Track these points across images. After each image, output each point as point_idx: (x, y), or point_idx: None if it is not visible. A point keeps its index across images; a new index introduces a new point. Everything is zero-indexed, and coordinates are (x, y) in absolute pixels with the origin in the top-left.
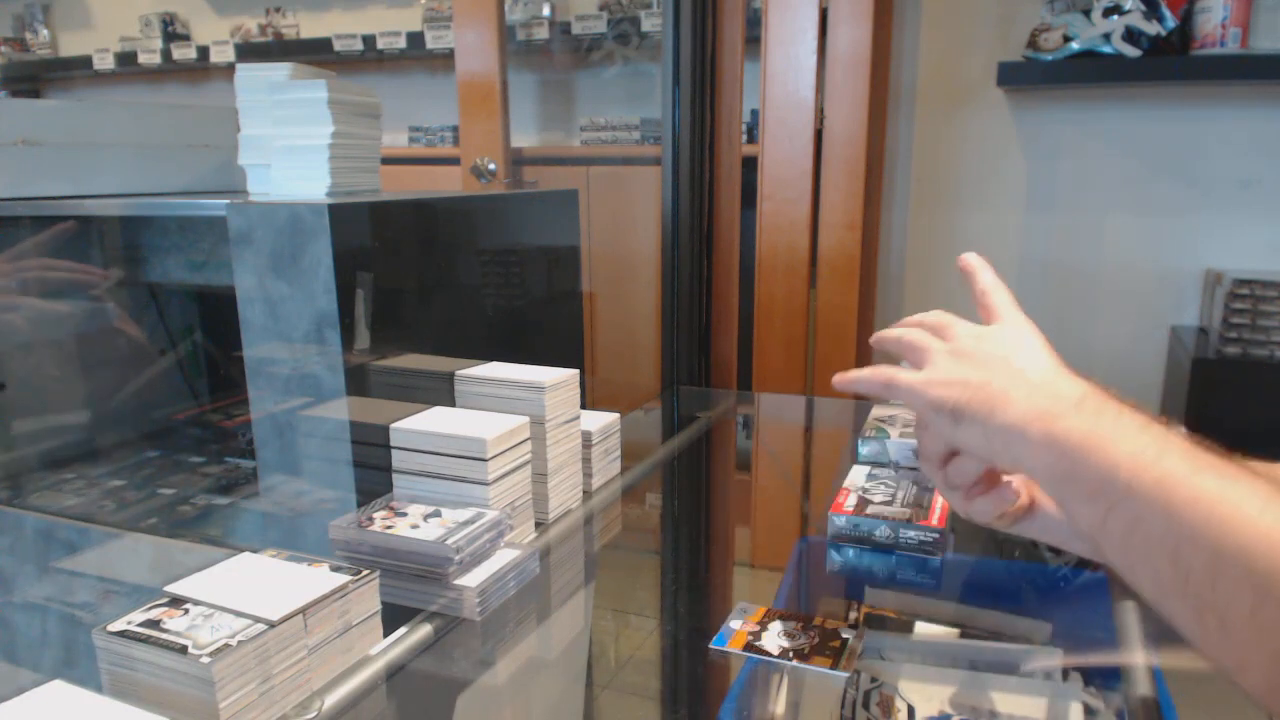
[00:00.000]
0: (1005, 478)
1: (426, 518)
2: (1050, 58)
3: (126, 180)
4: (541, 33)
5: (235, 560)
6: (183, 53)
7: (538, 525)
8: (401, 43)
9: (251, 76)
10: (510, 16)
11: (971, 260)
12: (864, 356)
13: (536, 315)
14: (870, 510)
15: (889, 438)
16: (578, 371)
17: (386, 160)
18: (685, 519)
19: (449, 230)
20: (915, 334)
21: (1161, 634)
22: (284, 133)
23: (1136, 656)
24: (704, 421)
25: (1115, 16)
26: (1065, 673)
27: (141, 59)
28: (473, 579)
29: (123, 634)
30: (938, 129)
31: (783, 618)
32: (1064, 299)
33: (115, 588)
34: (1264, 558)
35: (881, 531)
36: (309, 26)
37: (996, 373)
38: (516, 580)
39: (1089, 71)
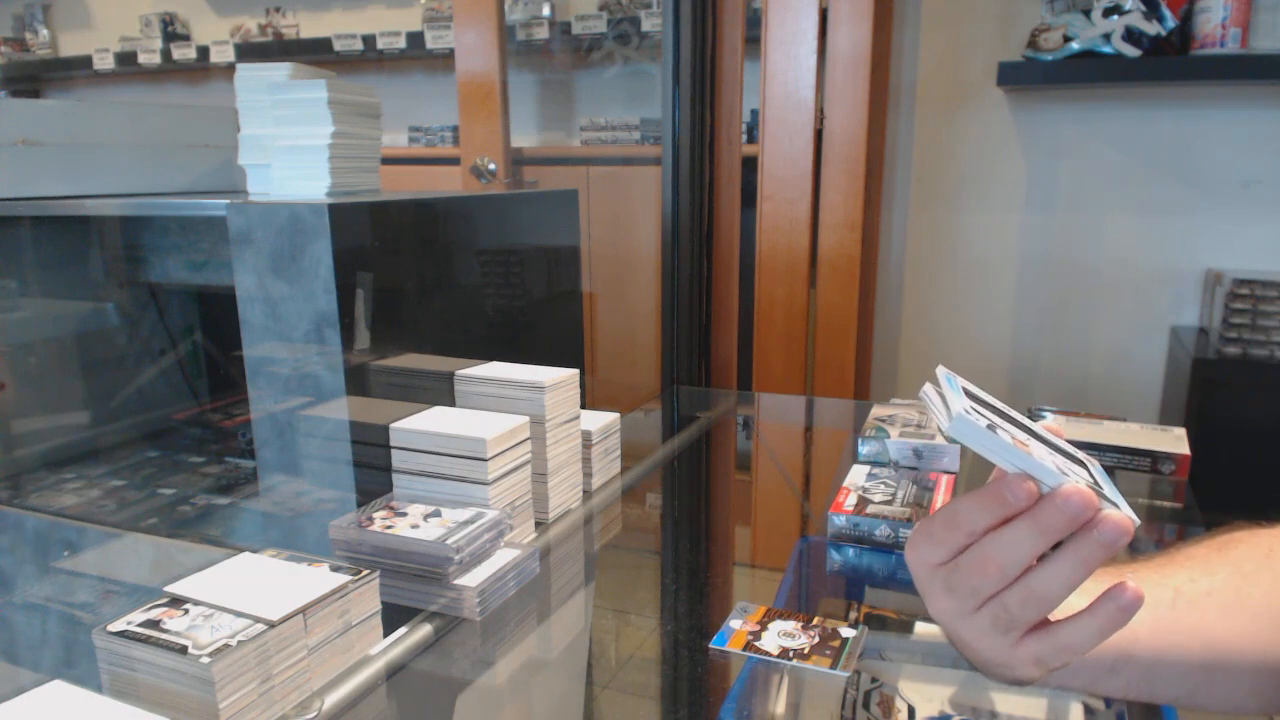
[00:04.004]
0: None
1: (426, 517)
2: (1050, 58)
3: (126, 180)
4: (541, 33)
5: (235, 560)
6: (183, 53)
7: (538, 525)
8: (401, 43)
9: (251, 76)
10: (510, 16)
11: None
12: (864, 356)
13: (536, 315)
14: (870, 510)
15: (889, 437)
16: (578, 371)
17: (386, 160)
18: (685, 519)
19: (449, 230)
20: None
21: None
22: (284, 133)
23: None
24: (704, 422)
25: (1115, 16)
26: None
27: (141, 59)
28: (473, 579)
29: (123, 634)
30: (938, 129)
31: (783, 617)
32: (1064, 299)
33: (115, 588)
34: None
35: (881, 531)
36: (309, 26)
37: None
38: (516, 580)
39: (1089, 71)
